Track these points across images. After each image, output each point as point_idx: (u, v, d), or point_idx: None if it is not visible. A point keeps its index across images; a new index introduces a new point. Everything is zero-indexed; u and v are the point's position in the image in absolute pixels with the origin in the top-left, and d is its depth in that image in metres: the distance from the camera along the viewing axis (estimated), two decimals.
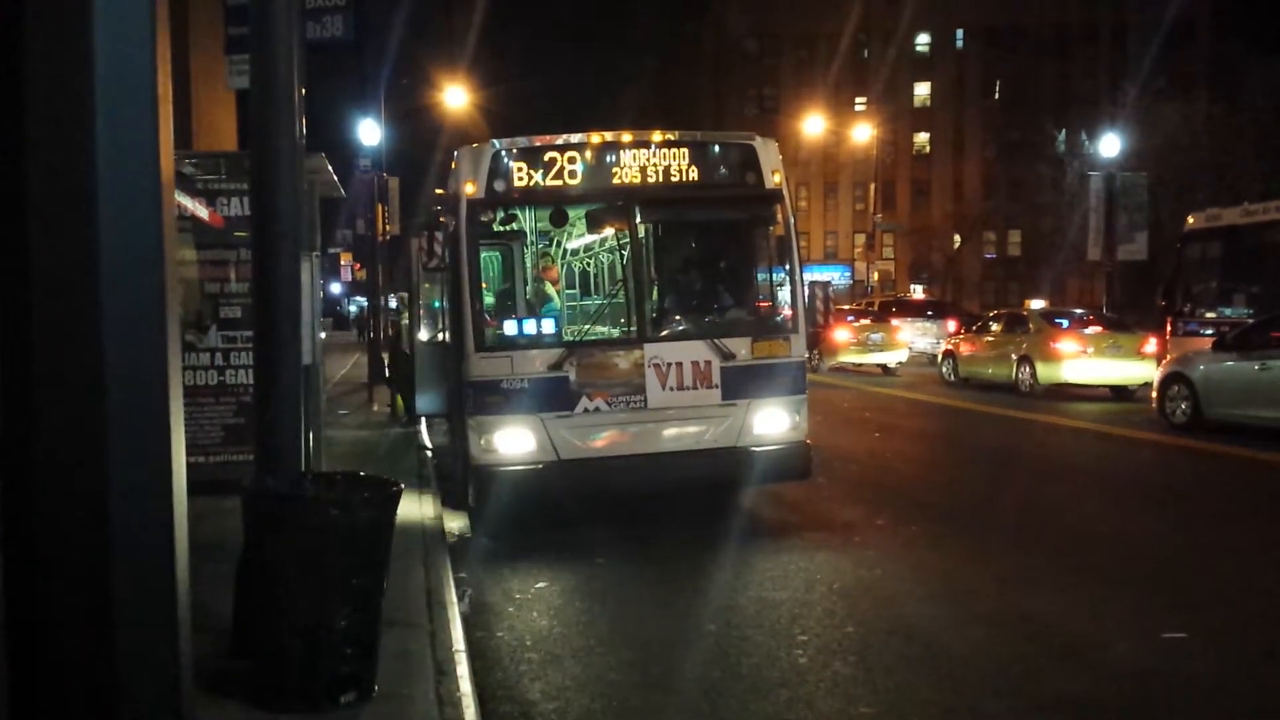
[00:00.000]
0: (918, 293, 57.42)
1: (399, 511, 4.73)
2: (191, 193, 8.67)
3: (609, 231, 9.19)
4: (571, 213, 8.93)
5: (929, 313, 33.10)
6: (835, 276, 58.51)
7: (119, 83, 2.18)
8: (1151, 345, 19.06)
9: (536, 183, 8.14)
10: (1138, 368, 18.82)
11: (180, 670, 2.34)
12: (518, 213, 9.43)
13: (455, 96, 30.70)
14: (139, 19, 2.21)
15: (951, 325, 31.21)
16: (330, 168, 9.90)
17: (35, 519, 2.21)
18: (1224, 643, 5.85)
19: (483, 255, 9.55)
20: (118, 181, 2.19)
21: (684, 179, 8.35)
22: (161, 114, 2.26)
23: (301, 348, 5.72)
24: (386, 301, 26.41)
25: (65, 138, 2.17)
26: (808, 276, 9.02)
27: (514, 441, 7.95)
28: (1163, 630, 5.99)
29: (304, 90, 5.72)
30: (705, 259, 9.55)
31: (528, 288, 11.25)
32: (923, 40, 66.28)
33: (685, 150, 8.36)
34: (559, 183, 8.17)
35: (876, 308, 31.57)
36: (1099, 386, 19.53)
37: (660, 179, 8.30)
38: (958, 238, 62.15)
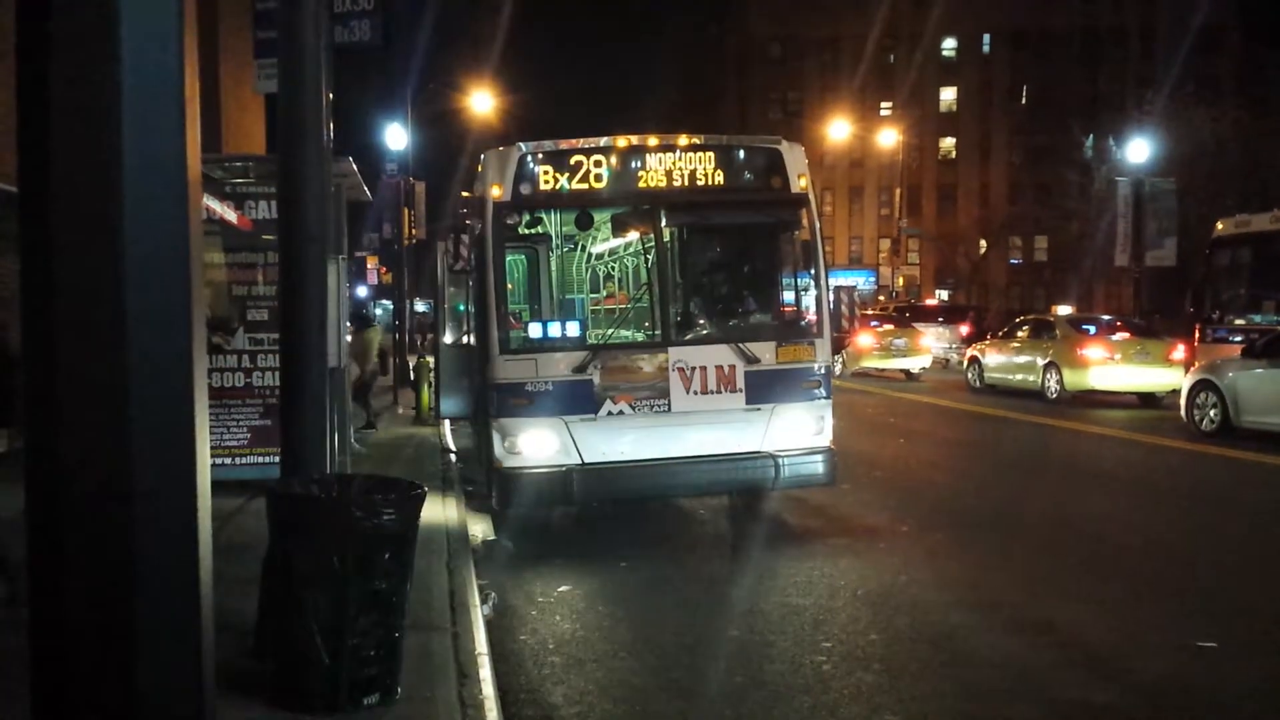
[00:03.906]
0: (944, 298, 57.16)
1: (422, 514, 4.73)
2: (220, 196, 8.74)
3: (634, 235, 9.18)
4: (597, 216, 8.93)
5: (940, 318, 33.07)
6: (860, 281, 58.31)
7: (146, 82, 2.18)
8: (1180, 352, 18.87)
9: (562, 186, 8.14)
10: (1166, 375, 18.63)
11: (203, 671, 2.34)
12: (543, 216, 9.43)
13: (481, 101, 30.84)
14: (165, 18, 2.21)
15: (965, 330, 31.29)
16: (357, 171, 9.95)
17: (59, 520, 2.22)
18: (1255, 652, 5.77)
19: (508, 258, 9.56)
20: (144, 181, 2.19)
21: (709, 183, 8.32)
22: (189, 114, 2.26)
23: (328, 350, 5.75)
24: (412, 305, 26.52)
25: (91, 137, 2.17)
26: (833, 281, 8.96)
27: (538, 444, 7.95)
28: (1192, 639, 5.91)
29: (331, 94, 5.75)
30: (730, 263, 9.52)
31: (553, 291, 11.26)
32: (949, 44, 65.99)
33: (711, 154, 8.33)
34: (585, 186, 8.16)
35: (891, 312, 31.53)
36: (1126, 393, 19.35)
37: (686, 183, 8.28)
38: (984, 243, 61.81)
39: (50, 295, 2.18)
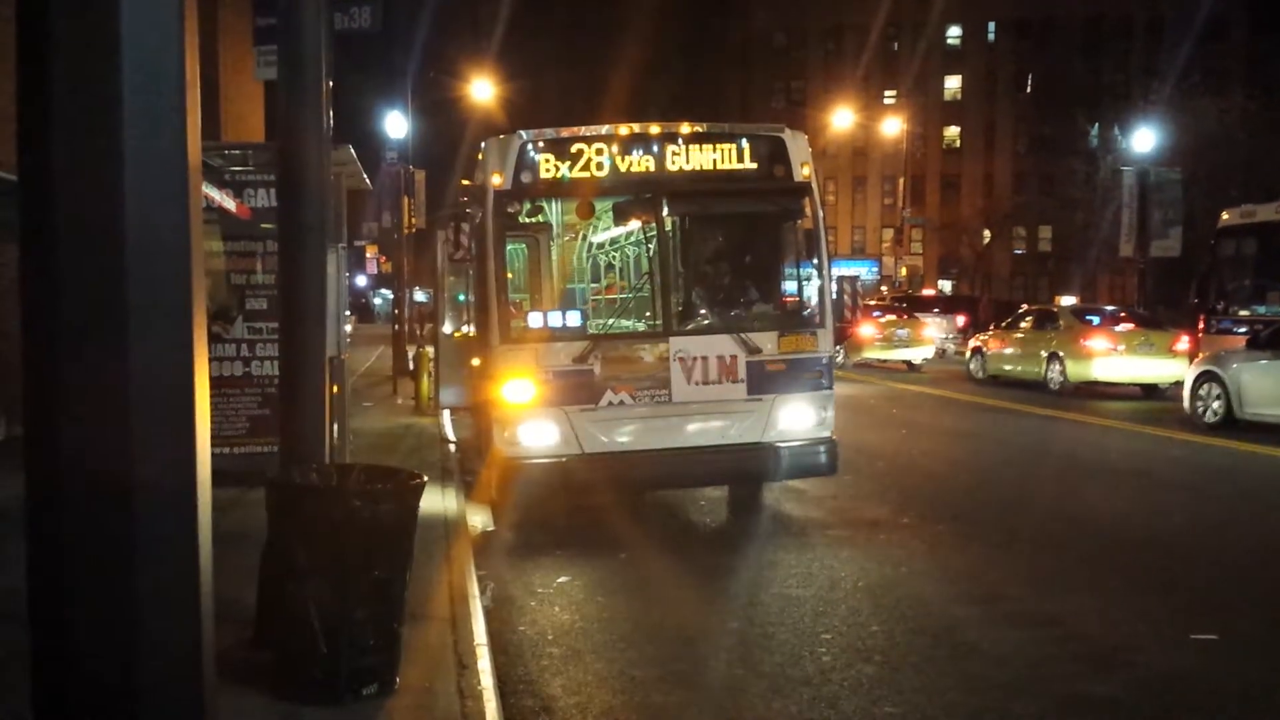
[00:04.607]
0: (946, 289, 57.18)
1: (422, 504, 4.72)
2: (219, 184, 8.69)
3: (635, 224, 9.15)
4: (598, 205, 8.90)
5: (936, 309, 33.11)
6: (863, 271, 58.25)
7: (146, 70, 2.16)
8: (1184, 343, 18.84)
9: (563, 174, 8.10)
10: (1170, 366, 18.61)
11: (203, 661, 2.34)
12: (544, 204, 9.40)
13: (482, 89, 30.78)
14: (167, 5, 2.19)
15: (961, 320, 31.34)
16: (357, 159, 9.91)
17: (59, 510, 2.21)
18: (1256, 645, 5.77)
19: (508, 247, 9.53)
20: (144, 168, 2.18)
21: (712, 171, 8.29)
22: (189, 102, 2.24)
23: (326, 340, 5.73)
24: (412, 295, 26.51)
25: (92, 124, 2.15)
26: (835, 271, 8.92)
27: (538, 434, 7.93)
28: (1195, 633, 5.90)
29: (331, 82, 5.71)
30: (732, 252, 9.49)
31: (554, 280, 11.23)
32: (954, 33, 65.76)
33: (713, 142, 8.29)
34: (586, 174, 8.12)
35: (889, 302, 31.63)
36: (1130, 385, 19.33)
37: (688, 171, 8.25)
38: (987, 233, 61.70)
39: (51, 284, 2.17)
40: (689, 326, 8.39)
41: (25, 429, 2.26)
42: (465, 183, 9.73)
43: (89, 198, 2.16)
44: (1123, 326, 19.78)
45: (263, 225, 8.72)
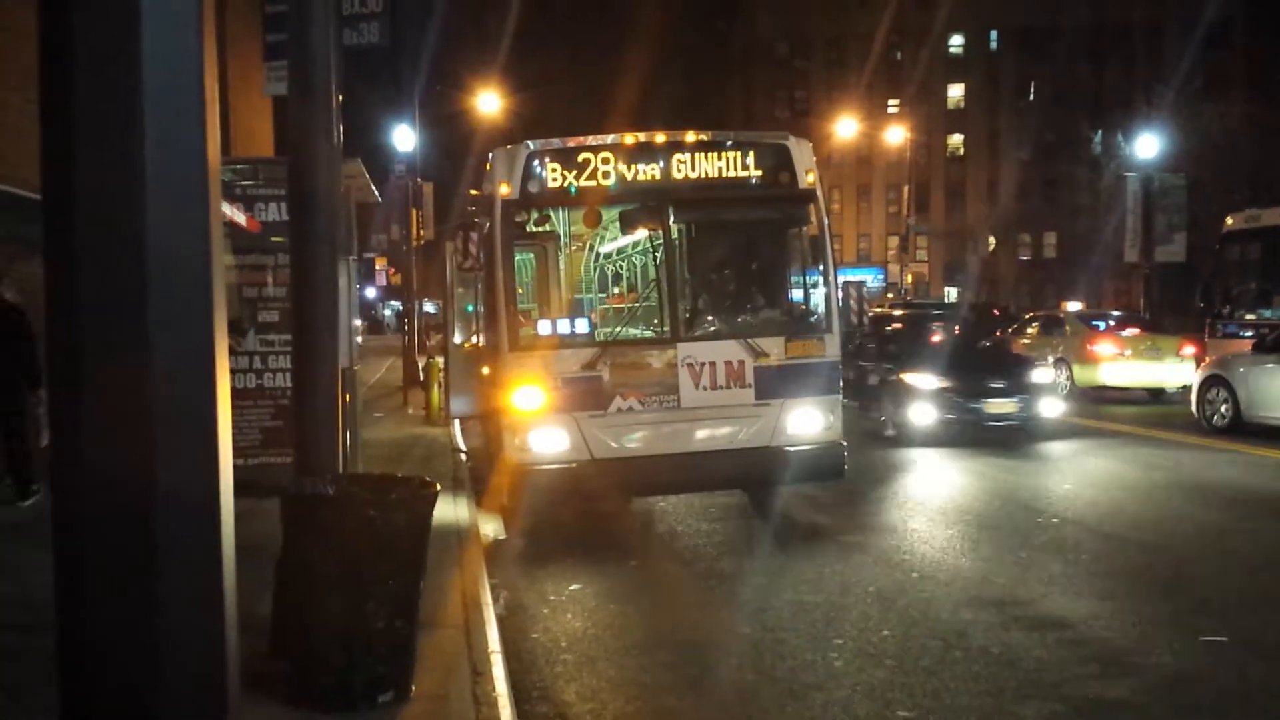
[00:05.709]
0: (951, 295, 57.14)
1: (434, 513, 4.75)
2: (229, 198, 8.75)
3: (643, 232, 9.20)
4: (605, 213, 8.94)
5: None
6: (869, 279, 58.22)
7: (167, 86, 2.20)
8: (1190, 348, 18.82)
9: (570, 184, 8.16)
10: (1176, 370, 18.59)
11: (227, 671, 2.36)
12: (551, 214, 9.46)
13: (489, 101, 30.88)
14: (187, 23, 2.23)
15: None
16: (366, 173, 9.98)
17: (83, 522, 2.24)
18: (1265, 647, 5.77)
19: (517, 257, 9.58)
20: (166, 182, 2.21)
21: (718, 179, 8.33)
22: (209, 117, 2.28)
23: (338, 351, 5.77)
24: (421, 306, 26.59)
25: (114, 138, 2.19)
26: (841, 278, 8.96)
27: (548, 441, 7.97)
28: (1203, 634, 5.91)
29: (341, 96, 5.77)
30: (739, 259, 9.53)
31: (562, 288, 11.28)
32: (956, 41, 65.82)
33: (719, 150, 8.34)
34: (593, 183, 8.18)
35: (887, 308, 31.69)
36: (1136, 389, 19.32)
37: (694, 179, 8.30)
38: (992, 240, 61.65)
39: (74, 297, 2.20)
40: (697, 333, 8.43)
41: (50, 440, 2.30)
42: (473, 193, 9.80)
43: (111, 212, 2.19)
44: (1128, 332, 19.78)
45: (273, 239, 8.79)
